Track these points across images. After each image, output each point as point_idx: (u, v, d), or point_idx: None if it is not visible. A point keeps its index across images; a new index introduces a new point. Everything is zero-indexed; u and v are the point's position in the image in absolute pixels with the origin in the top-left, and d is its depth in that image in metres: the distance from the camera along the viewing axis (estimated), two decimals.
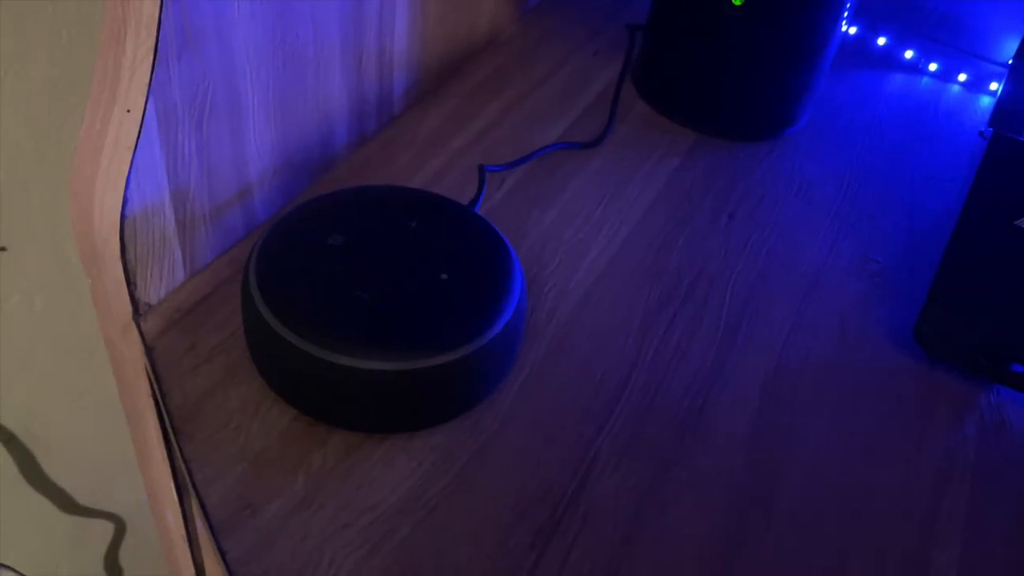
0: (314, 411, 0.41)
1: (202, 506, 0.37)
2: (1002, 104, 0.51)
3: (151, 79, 0.38)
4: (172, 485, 0.54)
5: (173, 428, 0.40)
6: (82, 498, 0.76)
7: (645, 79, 0.66)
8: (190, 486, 0.38)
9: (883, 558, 0.40)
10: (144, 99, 0.38)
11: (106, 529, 0.81)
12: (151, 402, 0.48)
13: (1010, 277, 0.48)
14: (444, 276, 0.41)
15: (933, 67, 0.75)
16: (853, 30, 0.77)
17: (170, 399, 0.41)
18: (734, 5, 0.57)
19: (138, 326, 0.44)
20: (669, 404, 0.45)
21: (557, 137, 0.61)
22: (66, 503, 0.75)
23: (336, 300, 0.39)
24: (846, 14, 0.61)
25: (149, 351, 0.43)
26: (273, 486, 0.39)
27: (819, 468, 0.43)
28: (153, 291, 0.45)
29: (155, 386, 0.42)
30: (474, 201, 0.51)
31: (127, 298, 0.43)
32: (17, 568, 0.65)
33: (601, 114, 0.64)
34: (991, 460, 0.45)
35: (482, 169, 0.53)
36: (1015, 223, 0.48)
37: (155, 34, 0.37)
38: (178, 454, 0.40)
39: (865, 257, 0.56)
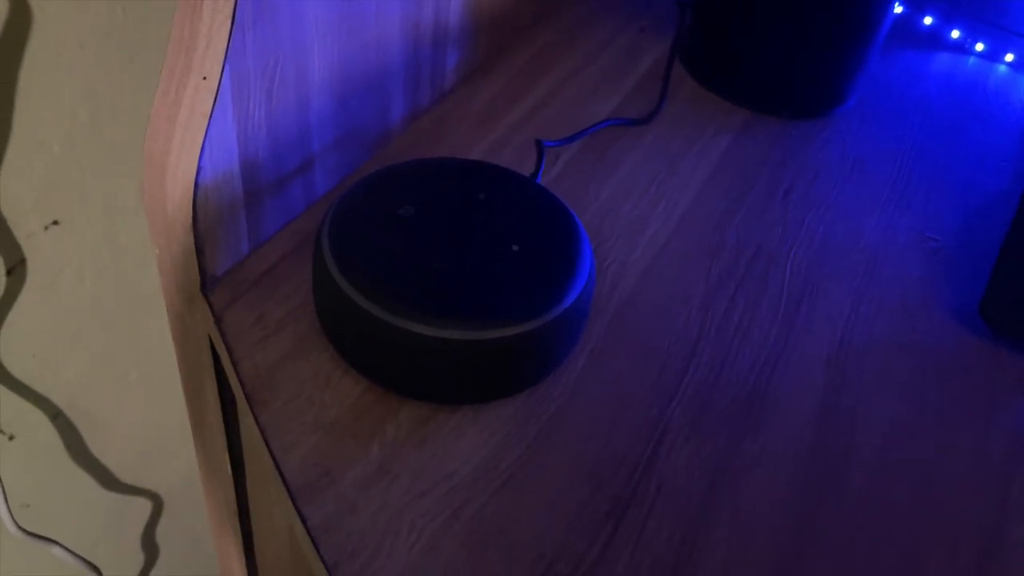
0: (386, 381, 0.41)
1: (280, 474, 0.37)
2: None
3: (228, 46, 0.38)
4: (227, 459, 0.55)
5: (247, 397, 0.40)
6: (123, 475, 0.77)
7: (695, 56, 0.66)
8: (267, 455, 0.38)
9: (956, 534, 0.40)
10: (220, 66, 0.38)
11: (144, 506, 0.82)
12: (213, 373, 0.48)
13: None
14: (515, 248, 0.41)
15: (980, 47, 0.74)
16: (899, 9, 0.76)
17: (241, 369, 0.41)
18: None
19: (206, 297, 0.44)
20: (735, 379, 0.45)
21: (608, 113, 0.61)
22: (107, 479, 0.75)
23: (410, 270, 0.39)
24: None
25: (218, 322, 0.43)
26: (349, 455, 0.39)
27: (888, 443, 0.43)
28: (219, 263, 0.45)
29: (226, 356, 0.42)
30: (534, 175, 0.51)
31: (196, 269, 0.43)
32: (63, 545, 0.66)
33: (650, 91, 0.64)
34: None
35: (540, 144, 0.53)
36: None
37: (233, 1, 0.37)
38: (252, 424, 0.40)
39: (923, 235, 0.55)
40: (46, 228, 0.56)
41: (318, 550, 0.35)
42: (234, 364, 0.41)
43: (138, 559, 0.85)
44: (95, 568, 0.69)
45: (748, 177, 0.58)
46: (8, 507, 0.57)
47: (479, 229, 0.42)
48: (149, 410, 0.74)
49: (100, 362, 0.68)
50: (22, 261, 0.56)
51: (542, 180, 0.54)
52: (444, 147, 0.55)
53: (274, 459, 0.38)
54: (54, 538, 0.66)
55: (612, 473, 0.40)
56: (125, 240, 0.61)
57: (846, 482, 0.41)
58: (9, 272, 0.55)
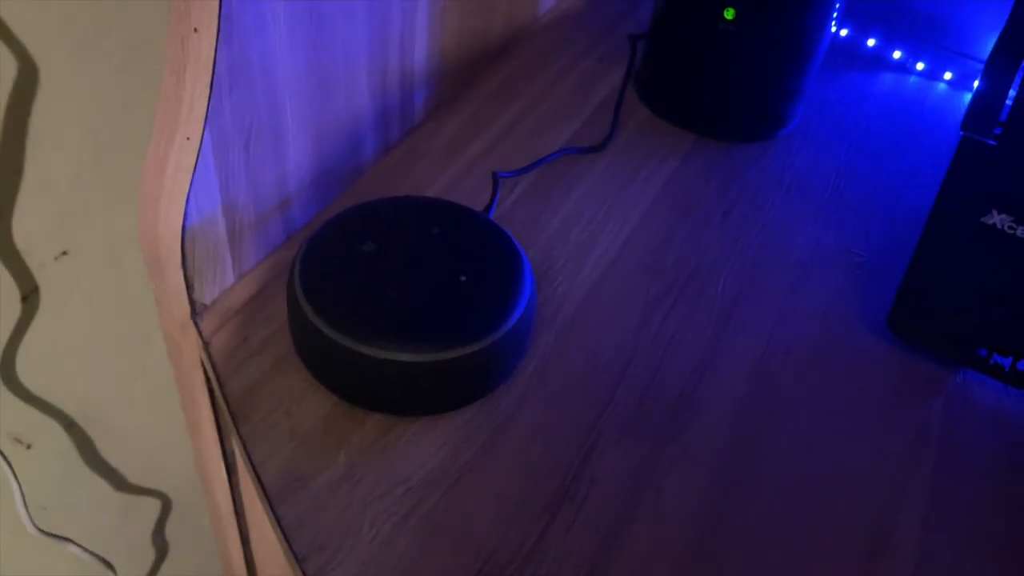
0: (352, 397, 0.47)
1: (259, 480, 0.43)
2: (974, 106, 0.56)
3: (208, 110, 0.43)
4: (222, 465, 0.61)
5: (231, 412, 0.46)
6: (133, 477, 0.83)
7: (646, 85, 0.71)
8: (247, 463, 0.44)
9: (854, 523, 0.45)
10: (202, 128, 0.44)
11: (154, 506, 0.88)
12: (205, 390, 0.55)
13: (976, 269, 0.53)
14: (463, 278, 0.47)
15: (920, 66, 0.79)
16: (844, 32, 0.81)
17: (227, 387, 0.47)
18: (726, 19, 0.62)
19: (196, 324, 0.50)
20: (664, 387, 0.51)
21: (565, 142, 0.67)
22: (119, 482, 0.81)
23: (370, 300, 0.45)
24: (834, 20, 0.65)
25: (206, 346, 0.49)
26: (319, 462, 0.45)
27: (800, 444, 0.49)
28: (208, 293, 0.51)
29: (213, 376, 0.48)
30: (488, 207, 0.57)
31: (186, 300, 0.49)
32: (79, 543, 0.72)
33: (606, 119, 0.69)
34: (956, 436, 0.50)
35: (495, 176, 0.58)
36: (980, 220, 0.53)
37: (210, 72, 0.42)
38: (234, 436, 0.46)
39: (848, 250, 0.61)
40: (56, 258, 0.62)
41: (290, 545, 0.41)
42: (220, 385, 0.47)
43: (149, 555, 0.91)
44: (109, 565, 0.75)
45: (690, 200, 0.63)
46: (27, 510, 0.64)
47: (432, 262, 0.48)
48: (156, 417, 0.80)
49: (109, 375, 0.74)
50: (35, 289, 0.62)
51: (499, 209, 0.59)
52: (410, 180, 0.61)
53: (253, 467, 0.44)
54: (70, 537, 0.72)
55: (549, 474, 0.46)
56: (128, 265, 0.67)
57: (760, 479, 0.47)
58: (24, 299, 0.61)
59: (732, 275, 0.58)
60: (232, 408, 0.46)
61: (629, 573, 0.42)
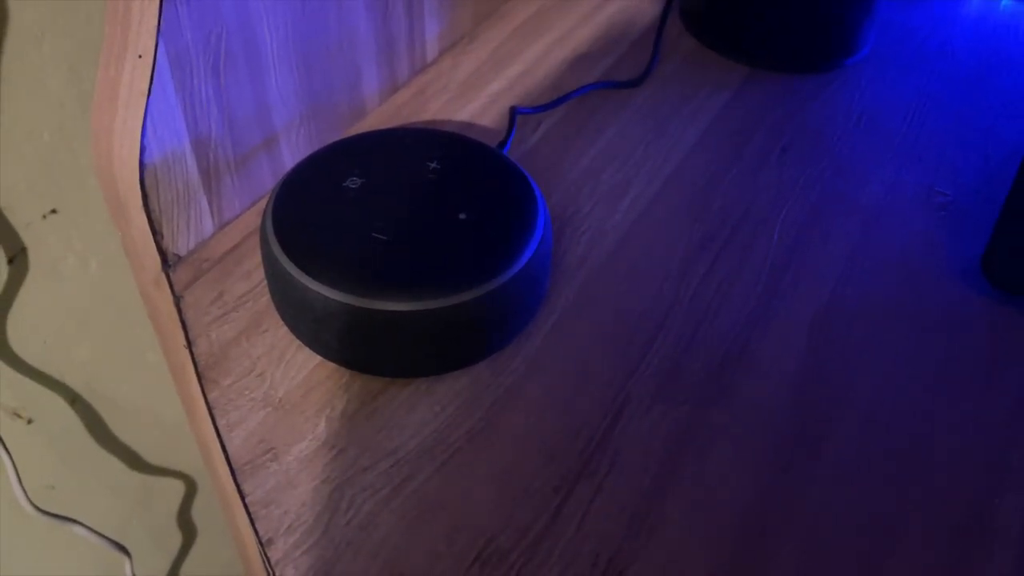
0: (336, 356, 0.40)
1: (224, 450, 0.37)
2: None
3: (160, 22, 0.37)
4: (217, 435, 0.55)
5: (198, 375, 0.40)
6: (151, 457, 0.78)
7: (693, 11, 0.63)
8: (214, 432, 0.38)
9: (941, 509, 0.37)
10: (154, 43, 0.38)
11: (177, 487, 0.84)
12: (189, 354, 0.49)
13: None
14: (463, 216, 0.40)
15: None
16: None
17: (197, 347, 0.41)
18: None
19: (168, 276, 0.44)
20: (709, 344, 0.43)
21: (599, 76, 0.59)
22: (135, 461, 0.77)
23: (352, 242, 0.39)
24: None
25: (177, 301, 0.43)
26: (295, 431, 0.38)
27: (875, 412, 0.40)
28: (182, 242, 0.45)
29: (184, 334, 0.42)
30: (502, 143, 0.50)
31: (155, 249, 0.43)
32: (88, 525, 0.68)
33: (645, 54, 0.61)
34: None
35: (513, 111, 0.51)
36: None
37: None
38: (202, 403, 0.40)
39: (931, 190, 0.52)
40: (44, 217, 0.57)
41: (253, 526, 0.35)
42: (189, 343, 0.41)
43: (175, 540, 0.87)
44: (123, 548, 0.71)
45: (743, 136, 0.55)
46: (22, 486, 0.59)
47: (427, 199, 0.41)
48: (171, 391, 0.75)
49: (114, 345, 0.69)
50: (23, 250, 0.57)
51: (519, 149, 0.52)
52: (422, 120, 0.54)
53: (219, 436, 0.38)
54: (83, 519, 0.67)
55: (566, 445, 0.38)
56: None
57: (821, 455, 0.39)
58: (10, 261, 0.57)
59: (791, 219, 0.49)
60: (201, 371, 0.40)
61: (657, 565, 0.34)
